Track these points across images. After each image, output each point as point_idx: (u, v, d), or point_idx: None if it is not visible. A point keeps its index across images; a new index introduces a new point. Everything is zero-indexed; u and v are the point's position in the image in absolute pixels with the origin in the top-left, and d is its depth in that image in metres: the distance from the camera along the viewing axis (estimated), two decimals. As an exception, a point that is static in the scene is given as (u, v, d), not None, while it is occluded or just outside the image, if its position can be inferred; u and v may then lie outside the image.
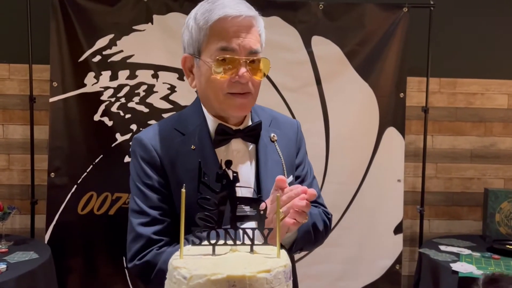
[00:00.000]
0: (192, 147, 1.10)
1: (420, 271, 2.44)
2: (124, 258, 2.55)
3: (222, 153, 1.12)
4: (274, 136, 1.18)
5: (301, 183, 1.23)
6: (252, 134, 1.14)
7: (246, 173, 1.12)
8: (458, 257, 2.29)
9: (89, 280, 2.53)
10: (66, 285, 2.49)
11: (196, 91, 1.20)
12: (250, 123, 1.17)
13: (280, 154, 1.17)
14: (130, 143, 1.22)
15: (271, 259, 0.74)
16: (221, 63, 1.05)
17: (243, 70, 1.05)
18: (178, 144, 1.11)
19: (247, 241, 0.78)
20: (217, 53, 1.05)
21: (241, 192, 1.04)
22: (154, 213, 1.08)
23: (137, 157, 1.12)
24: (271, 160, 1.15)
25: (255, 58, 1.08)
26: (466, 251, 2.38)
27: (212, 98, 1.10)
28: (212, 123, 1.13)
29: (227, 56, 1.05)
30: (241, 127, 1.14)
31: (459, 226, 2.89)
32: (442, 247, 2.45)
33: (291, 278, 0.74)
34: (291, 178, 1.19)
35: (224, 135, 1.11)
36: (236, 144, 1.13)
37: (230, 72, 1.06)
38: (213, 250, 0.76)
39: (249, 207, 0.78)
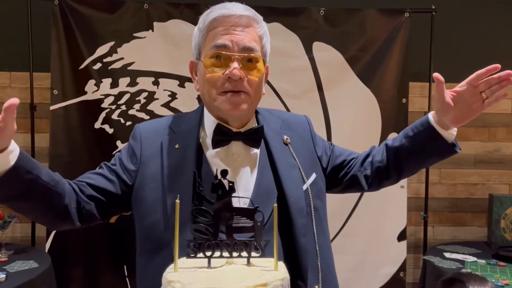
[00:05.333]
0: (176, 146, 1.10)
1: (424, 279, 2.40)
2: (125, 267, 2.53)
3: (218, 155, 1.10)
4: (287, 138, 1.16)
5: (330, 157, 1.26)
6: (253, 138, 1.11)
7: (245, 178, 1.10)
8: (463, 264, 2.26)
9: (90, 289, 2.51)
10: (67, 294, 2.48)
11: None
12: (254, 126, 1.14)
13: (295, 156, 1.15)
14: None
15: (268, 272, 0.72)
16: (213, 61, 1.05)
17: (234, 65, 1.03)
18: (165, 140, 1.13)
19: (244, 254, 0.76)
20: (210, 50, 1.05)
21: (239, 202, 1.02)
22: (99, 174, 1.16)
23: (129, 141, 1.19)
24: (286, 164, 1.13)
25: (250, 55, 1.05)
26: (471, 258, 2.35)
27: (207, 97, 1.09)
28: (211, 123, 1.12)
29: (220, 52, 1.04)
30: (242, 130, 1.12)
31: (463, 233, 2.86)
32: (447, 254, 2.42)
33: (289, 292, 0.72)
34: (313, 177, 1.16)
35: (223, 135, 1.09)
36: (236, 148, 1.11)
37: (222, 69, 1.05)
38: (209, 262, 0.74)
39: (246, 218, 0.76)
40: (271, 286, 0.67)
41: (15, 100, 0.91)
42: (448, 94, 1.13)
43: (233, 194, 0.77)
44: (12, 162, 0.95)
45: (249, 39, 1.06)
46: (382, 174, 1.26)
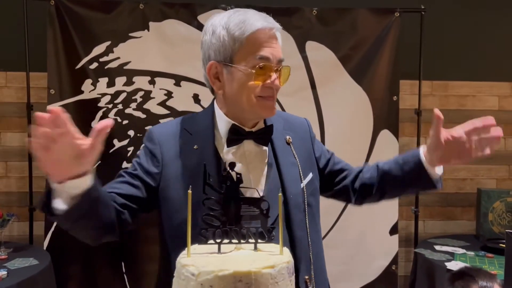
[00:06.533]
0: (195, 146, 1.17)
1: (415, 271, 2.48)
2: (123, 264, 2.57)
3: (231, 153, 1.18)
4: (289, 138, 1.25)
5: (329, 161, 1.35)
6: (263, 137, 1.20)
7: (257, 174, 1.19)
8: (452, 256, 2.34)
9: (88, 285, 2.54)
10: (66, 291, 2.50)
11: (214, 96, 1.26)
12: (263, 126, 1.24)
13: (296, 155, 1.24)
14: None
15: (274, 256, 0.77)
16: (258, 70, 1.13)
17: (275, 76, 1.14)
18: (183, 142, 1.18)
19: (251, 240, 0.81)
20: (255, 61, 1.13)
21: (248, 193, 1.09)
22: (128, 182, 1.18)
23: (145, 146, 1.22)
24: (288, 162, 1.22)
25: (282, 66, 1.17)
26: (461, 251, 2.43)
27: (244, 101, 1.16)
28: (226, 124, 1.19)
29: (265, 64, 1.13)
30: (254, 129, 1.21)
31: (453, 226, 2.94)
32: (437, 247, 2.49)
33: (294, 274, 0.77)
34: (310, 176, 1.26)
35: (237, 135, 1.18)
36: (248, 146, 1.19)
37: (262, 78, 1.14)
38: (219, 248, 0.79)
39: (252, 206, 0.81)
40: (278, 268, 0.72)
41: (109, 122, 0.94)
42: (444, 134, 1.18)
43: (243, 185, 0.81)
44: (90, 182, 0.98)
45: (280, 51, 1.17)
46: (367, 192, 1.35)
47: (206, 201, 0.81)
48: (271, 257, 0.76)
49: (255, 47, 1.13)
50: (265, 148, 1.21)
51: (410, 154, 1.29)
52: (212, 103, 1.26)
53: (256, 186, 1.16)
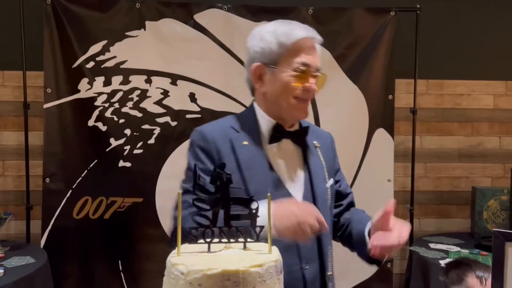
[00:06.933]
0: (244, 142, 1.27)
1: (410, 268, 2.49)
2: (119, 262, 2.58)
3: (274, 149, 1.29)
4: (317, 143, 1.38)
5: (338, 182, 1.47)
6: (300, 137, 1.33)
7: (294, 171, 1.31)
8: (447, 254, 2.35)
9: (85, 284, 2.55)
10: (63, 289, 2.52)
11: (253, 97, 1.38)
12: (298, 128, 1.36)
13: (322, 160, 1.36)
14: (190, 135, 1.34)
15: (263, 255, 0.78)
16: (298, 74, 1.26)
17: (312, 81, 1.27)
18: (232, 139, 1.28)
19: (241, 239, 0.82)
20: (297, 65, 1.26)
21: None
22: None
23: (195, 146, 1.29)
24: (317, 165, 1.34)
25: (319, 73, 1.29)
26: (455, 248, 2.45)
27: (283, 100, 1.28)
28: (267, 122, 1.31)
29: (305, 68, 1.26)
30: (291, 129, 1.33)
31: (448, 224, 2.96)
32: (432, 245, 2.51)
33: (282, 272, 0.78)
34: (332, 180, 1.39)
35: (279, 133, 1.30)
36: (286, 144, 1.32)
37: (302, 81, 1.26)
38: (209, 247, 0.81)
39: (242, 206, 0.82)
40: (266, 267, 0.73)
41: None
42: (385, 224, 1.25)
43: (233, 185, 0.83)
44: None
45: (319, 60, 1.31)
46: (336, 229, 1.46)
47: (196, 201, 0.82)
48: (260, 256, 0.78)
49: (297, 53, 1.25)
50: (299, 147, 1.33)
51: (362, 227, 1.34)
52: (252, 104, 1.37)
53: (292, 183, 1.29)
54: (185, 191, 1.19)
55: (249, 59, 1.33)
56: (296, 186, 1.30)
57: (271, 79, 1.28)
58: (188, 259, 0.76)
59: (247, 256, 0.77)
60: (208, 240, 0.81)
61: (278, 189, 1.26)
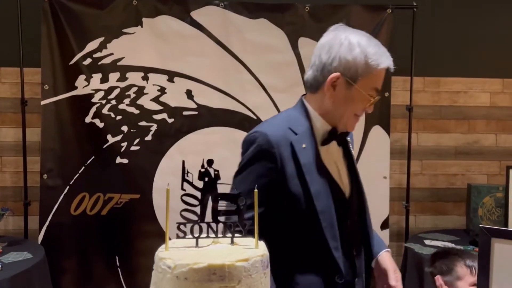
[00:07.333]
0: (303, 145, 1.29)
1: (405, 265, 2.51)
2: (117, 258, 2.60)
3: (324, 151, 1.33)
4: (349, 140, 1.43)
5: None
6: (343, 139, 1.39)
7: (342, 169, 1.37)
8: (441, 250, 2.37)
9: (82, 279, 2.57)
10: (60, 284, 2.53)
11: (304, 96, 1.40)
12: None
13: (354, 157, 1.44)
14: (254, 136, 1.32)
15: (249, 250, 0.80)
16: (368, 97, 1.31)
17: (371, 106, 1.35)
18: (293, 141, 1.29)
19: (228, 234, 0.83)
20: (372, 92, 1.31)
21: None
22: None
23: (260, 150, 1.27)
24: (354, 162, 1.42)
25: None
26: (450, 245, 2.45)
27: (344, 113, 1.33)
28: (323, 126, 1.35)
29: (376, 95, 1.33)
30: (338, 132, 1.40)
31: (444, 221, 2.97)
32: (427, 241, 2.52)
33: (268, 267, 0.79)
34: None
35: (332, 136, 1.34)
36: (333, 146, 1.36)
37: (367, 104, 1.33)
38: (197, 242, 0.82)
39: (230, 202, 0.84)
40: (252, 261, 0.75)
41: None
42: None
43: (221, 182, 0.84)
44: None
45: None
46: None
47: (184, 196, 0.83)
48: (246, 250, 0.79)
49: (376, 80, 1.31)
50: (340, 147, 1.39)
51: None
52: (303, 104, 1.37)
53: (342, 182, 1.34)
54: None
55: (327, 59, 1.31)
56: (345, 185, 1.36)
57: (343, 93, 1.30)
58: (175, 253, 0.77)
59: (234, 251, 0.79)
60: (196, 235, 0.82)
61: (334, 191, 1.31)
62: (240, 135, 2.68)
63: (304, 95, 1.41)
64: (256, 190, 0.83)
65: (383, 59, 1.29)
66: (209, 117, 2.61)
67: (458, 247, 2.41)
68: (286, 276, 1.27)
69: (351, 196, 1.38)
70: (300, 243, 1.28)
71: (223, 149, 2.54)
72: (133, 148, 2.57)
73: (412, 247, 2.43)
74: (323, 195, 1.27)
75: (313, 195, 1.25)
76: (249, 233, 1.15)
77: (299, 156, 1.27)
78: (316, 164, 1.29)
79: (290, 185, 1.26)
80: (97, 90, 2.56)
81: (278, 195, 1.25)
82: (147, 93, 2.59)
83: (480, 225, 0.95)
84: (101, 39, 2.54)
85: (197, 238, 0.82)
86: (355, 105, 1.31)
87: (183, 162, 0.86)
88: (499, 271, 0.92)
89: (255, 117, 2.64)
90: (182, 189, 0.84)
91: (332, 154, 1.36)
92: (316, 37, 2.61)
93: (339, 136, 1.36)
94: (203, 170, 0.84)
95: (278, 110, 2.67)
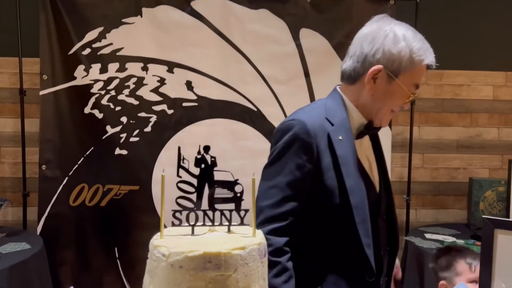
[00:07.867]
0: (340, 137, 1.24)
1: (406, 258, 2.49)
2: (116, 249, 2.59)
3: (358, 144, 1.31)
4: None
5: None
6: (375, 133, 1.38)
7: (374, 165, 1.35)
8: (442, 244, 2.34)
9: (81, 270, 2.57)
10: (59, 275, 2.52)
11: (339, 87, 1.38)
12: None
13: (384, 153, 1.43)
14: (290, 125, 1.27)
15: (246, 238, 0.78)
16: (407, 93, 1.27)
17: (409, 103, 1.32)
18: (330, 132, 1.25)
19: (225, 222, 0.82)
20: (413, 88, 1.28)
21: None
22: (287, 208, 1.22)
23: (298, 140, 1.23)
24: (383, 159, 1.41)
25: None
26: (451, 239, 2.44)
27: (381, 108, 1.29)
28: (358, 118, 1.31)
29: (416, 92, 1.29)
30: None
31: (445, 215, 2.95)
32: (428, 235, 2.51)
33: (266, 256, 0.78)
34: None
35: (367, 130, 1.32)
36: (366, 140, 1.35)
37: (406, 100, 1.29)
38: (192, 230, 0.80)
39: (227, 189, 0.82)
40: (248, 249, 0.73)
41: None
42: None
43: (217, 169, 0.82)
44: None
45: None
46: None
47: (180, 183, 0.81)
48: (243, 239, 0.77)
49: (418, 76, 1.27)
50: (370, 141, 1.37)
51: None
52: (339, 94, 1.33)
53: (373, 176, 1.32)
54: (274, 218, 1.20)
55: (369, 50, 1.27)
56: (376, 179, 1.33)
57: (384, 87, 1.26)
58: (170, 241, 0.75)
59: (230, 239, 0.77)
60: (192, 223, 0.80)
61: (367, 186, 1.27)
62: (240, 127, 2.69)
63: (339, 85, 1.37)
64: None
65: (427, 54, 1.26)
66: (209, 109, 2.58)
67: (460, 241, 2.40)
68: (315, 271, 1.24)
69: (380, 192, 1.35)
70: (331, 238, 1.24)
71: (223, 141, 2.51)
72: (132, 139, 2.55)
73: (413, 241, 2.42)
74: (358, 189, 1.23)
75: (348, 189, 1.21)
76: (288, 229, 1.17)
77: (336, 148, 1.23)
78: (354, 158, 1.25)
79: (325, 177, 1.22)
80: (96, 81, 2.53)
81: (312, 188, 1.22)
82: (146, 84, 2.57)
83: (483, 216, 0.93)
84: (100, 28, 2.52)
85: (193, 226, 0.80)
86: (394, 100, 1.28)
87: (179, 148, 0.84)
88: (502, 262, 0.91)
89: (255, 109, 2.62)
90: (178, 176, 0.82)
91: (364, 149, 1.33)
92: (318, 28, 2.65)
93: (373, 130, 1.33)
94: (199, 156, 0.82)
95: (279, 102, 2.64)
